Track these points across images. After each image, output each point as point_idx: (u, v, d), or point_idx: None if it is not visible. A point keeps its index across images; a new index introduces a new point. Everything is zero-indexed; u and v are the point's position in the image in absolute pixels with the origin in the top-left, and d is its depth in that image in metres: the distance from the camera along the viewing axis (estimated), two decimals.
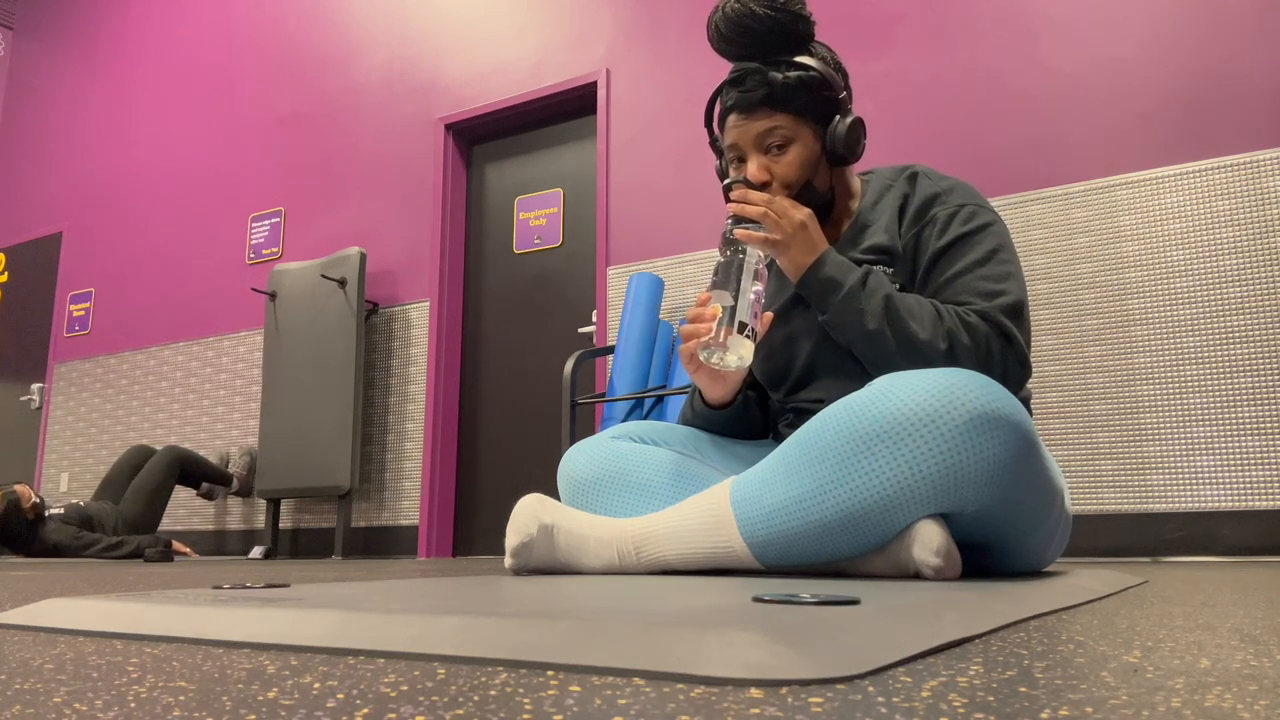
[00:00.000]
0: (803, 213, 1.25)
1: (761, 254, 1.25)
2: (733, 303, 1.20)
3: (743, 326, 1.19)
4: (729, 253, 1.24)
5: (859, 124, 1.30)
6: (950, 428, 0.97)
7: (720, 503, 1.11)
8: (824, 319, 1.26)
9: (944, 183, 1.31)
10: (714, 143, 1.40)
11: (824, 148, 1.30)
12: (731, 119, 1.30)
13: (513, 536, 1.20)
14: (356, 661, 0.54)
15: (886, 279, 1.24)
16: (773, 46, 1.28)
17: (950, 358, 1.17)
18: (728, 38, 1.27)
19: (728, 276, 1.22)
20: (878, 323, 1.20)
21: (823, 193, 1.32)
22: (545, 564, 1.22)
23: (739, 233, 1.23)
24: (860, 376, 1.29)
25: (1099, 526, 2.80)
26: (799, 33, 1.27)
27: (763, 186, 1.29)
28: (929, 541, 0.99)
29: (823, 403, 1.32)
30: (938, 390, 0.98)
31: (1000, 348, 1.18)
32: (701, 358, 1.21)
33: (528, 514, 1.21)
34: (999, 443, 0.97)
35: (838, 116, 1.29)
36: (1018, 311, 1.21)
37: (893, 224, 1.30)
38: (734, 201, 1.26)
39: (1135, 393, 2.81)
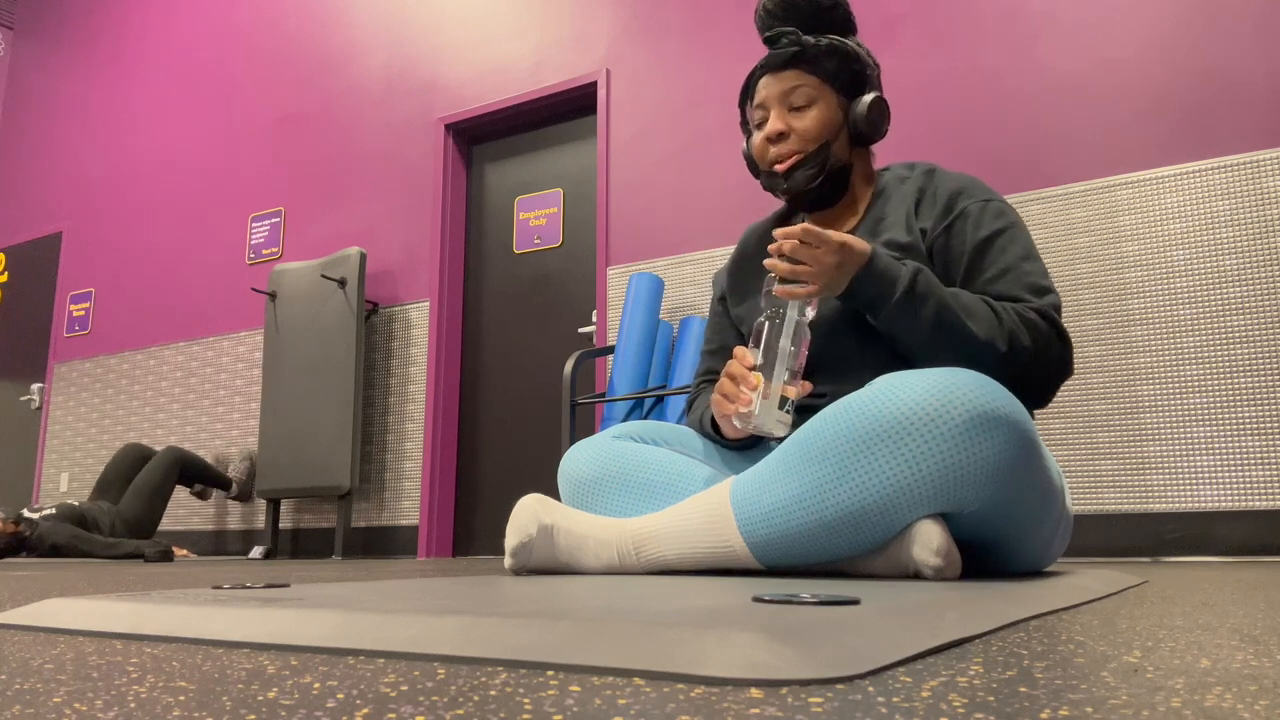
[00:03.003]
0: (832, 247, 1.16)
1: (805, 308, 1.18)
2: (772, 374, 1.16)
3: (783, 401, 1.15)
4: (770, 311, 1.19)
5: (882, 103, 1.33)
6: (949, 427, 0.97)
7: (720, 503, 1.11)
8: (875, 324, 1.22)
9: (963, 179, 1.32)
10: (744, 123, 1.43)
11: (847, 119, 1.33)
12: (763, 80, 1.35)
13: (512, 537, 1.20)
14: (356, 661, 0.54)
15: (935, 279, 1.20)
16: (814, 26, 1.35)
17: (1010, 358, 1.16)
18: (774, 13, 1.34)
19: (770, 345, 1.17)
20: (931, 329, 1.17)
21: (839, 162, 1.33)
22: (545, 564, 1.22)
23: (779, 290, 1.18)
24: (864, 372, 1.29)
25: (1099, 526, 2.79)
26: (839, 19, 1.34)
27: (780, 138, 1.31)
28: (929, 541, 0.99)
29: (826, 398, 1.31)
30: (937, 390, 0.98)
31: (1059, 348, 1.19)
32: (737, 425, 1.17)
33: (527, 514, 1.21)
34: (999, 442, 0.97)
35: (863, 96, 1.33)
36: (1060, 309, 1.22)
37: (911, 218, 1.29)
38: (769, 257, 1.25)
39: (1135, 393, 2.81)
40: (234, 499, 4.64)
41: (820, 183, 1.32)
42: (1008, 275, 1.22)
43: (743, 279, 1.47)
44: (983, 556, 1.15)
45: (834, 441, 1.02)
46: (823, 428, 1.04)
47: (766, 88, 1.34)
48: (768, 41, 1.35)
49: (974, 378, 1.00)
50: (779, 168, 1.32)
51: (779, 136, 1.31)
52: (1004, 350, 1.15)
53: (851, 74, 1.32)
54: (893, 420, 0.99)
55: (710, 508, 1.12)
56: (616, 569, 1.19)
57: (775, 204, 3.57)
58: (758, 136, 1.36)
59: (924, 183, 1.32)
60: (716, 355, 1.51)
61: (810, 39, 1.32)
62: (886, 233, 1.30)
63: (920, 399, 0.98)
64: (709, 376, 1.51)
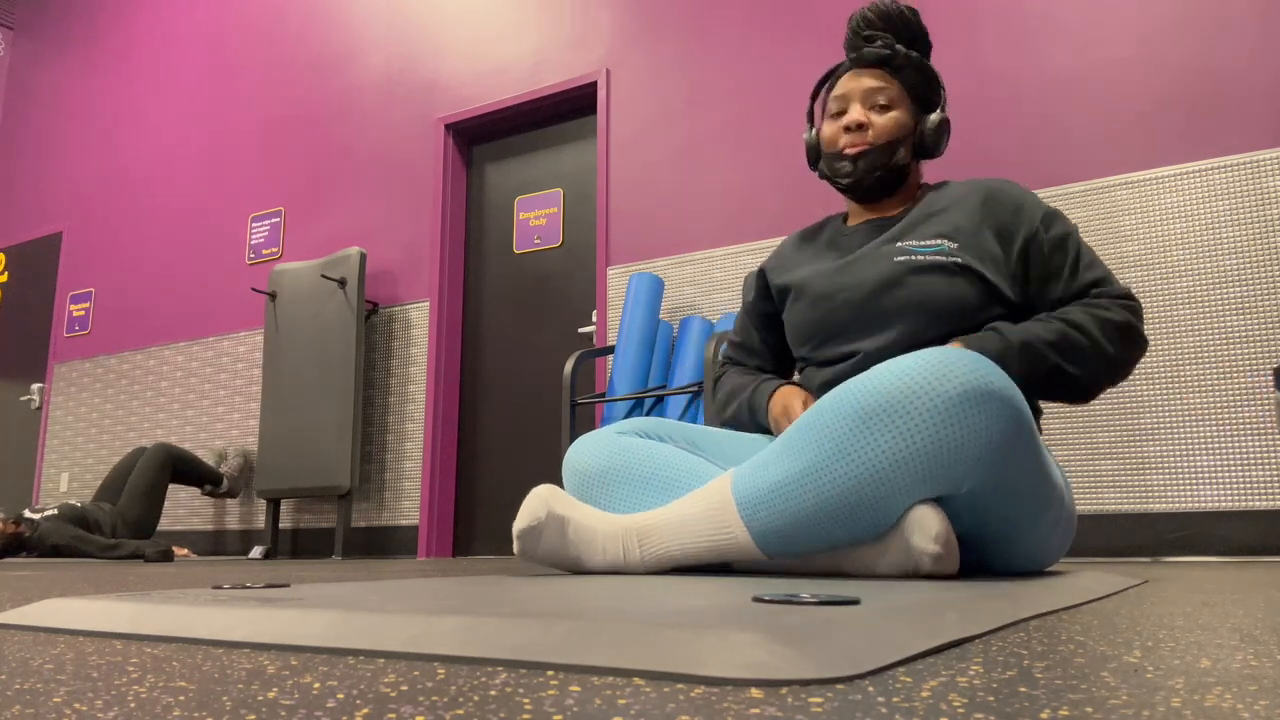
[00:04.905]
0: None
1: None
2: None
3: None
4: None
5: (949, 124, 1.45)
6: (941, 401, 0.99)
7: (721, 490, 1.13)
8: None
9: (1014, 184, 1.44)
10: (810, 114, 1.53)
11: (916, 130, 1.44)
12: (849, 74, 1.46)
13: (522, 520, 1.22)
14: (356, 661, 0.54)
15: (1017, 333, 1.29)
16: (905, 43, 1.47)
17: (1128, 344, 1.29)
18: (873, 22, 1.47)
19: None
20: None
21: (902, 163, 1.43)
22: (552, 553, 1.23)
23: None
24: (892, 333, 1.35)
25: (1099, 526, 2.79)
26: (923, 44, 1.48)
27: (859, 128, 1.41)
28: (928, 528, 1.01)
29: (859, 355, 1.38)
30: (930, 366, 1.01)
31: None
32: None
33: (538, 501, 1.23)
34: (990, 417, 0.99)
35: (934, 114, 1.45)
36: None
37: (972, 215, 1.38)
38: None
39: (1135, 393, 2.80)
40: (223, 495, 4.59)
41: (880, 176, 1.43)
42: (1096, 263, 1.36)
43: (789, 257, 1.57)
44: (982, 552, 1.15)
45: (833, 421, 1.05)
46: (823, 410, 1.07)
47: (851, 81, 1.44)
48: (865, 40, 1.46)
49: (968, 355, 1.03)
50: (849, 151, 1.42)
51: (858, 127, 1.41)
52: (1113, 353, 1.28)
53: (929, 91, 1.45)
54: (887, 396, 1.01)
55: (711, 497, 1.13)
56: (620, 563, 1.20)
57: (775, 203, 3.57)
58: (831, 124, 1.45)
59: (992, 185, 1.41)
60: (741, 349, 1.66)
61: (901, 48, 1.44)
62: (944, 219, 1.39)
63: (914, 375, 1.01)
64: (734, 363, 1.67)
